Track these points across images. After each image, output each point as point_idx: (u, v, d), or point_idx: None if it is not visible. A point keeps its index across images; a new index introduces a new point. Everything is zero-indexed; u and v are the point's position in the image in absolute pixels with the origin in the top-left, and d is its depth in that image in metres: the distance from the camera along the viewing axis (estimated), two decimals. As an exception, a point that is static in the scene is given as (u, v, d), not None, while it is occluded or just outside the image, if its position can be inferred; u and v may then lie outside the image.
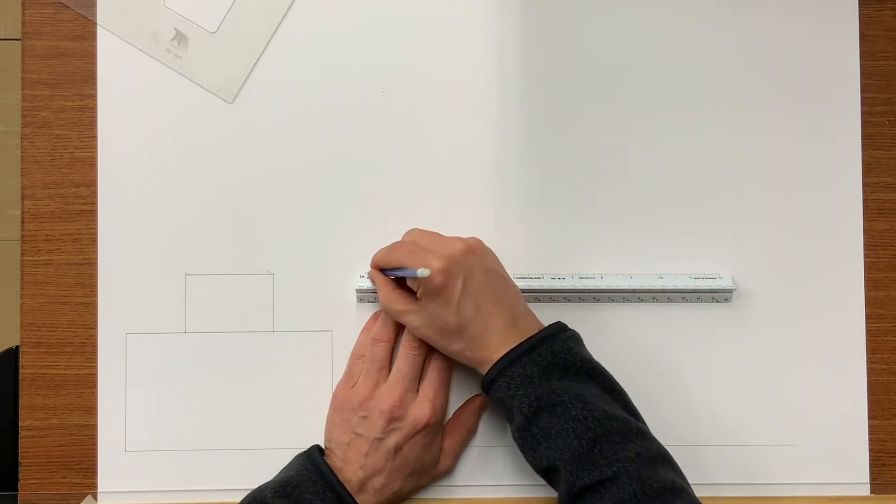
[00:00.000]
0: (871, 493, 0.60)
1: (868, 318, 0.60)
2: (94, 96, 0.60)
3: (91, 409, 0.59)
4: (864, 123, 0.61)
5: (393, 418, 0.54)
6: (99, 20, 0.59)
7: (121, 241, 0.59)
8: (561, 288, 0.59)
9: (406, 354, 0.56)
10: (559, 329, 0.53)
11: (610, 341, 0.60)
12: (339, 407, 0.56)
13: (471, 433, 0.58)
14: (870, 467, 0.60)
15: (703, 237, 0.60)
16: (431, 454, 0.56)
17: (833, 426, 0.60)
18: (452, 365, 0.57)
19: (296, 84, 0.60)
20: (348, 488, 0.53)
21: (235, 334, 0.59)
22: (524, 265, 0.60)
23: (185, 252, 0.59)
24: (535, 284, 0.59)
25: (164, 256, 0.59)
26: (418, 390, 0.56)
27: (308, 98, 0.60)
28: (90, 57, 0.60)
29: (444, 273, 0.51)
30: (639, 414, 0.53)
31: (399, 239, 0.57)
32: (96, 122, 0.60)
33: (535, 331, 0.53)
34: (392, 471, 0.54)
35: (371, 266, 0.58)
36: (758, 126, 0.61)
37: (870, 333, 0.60)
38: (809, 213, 0.60)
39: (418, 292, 0.54)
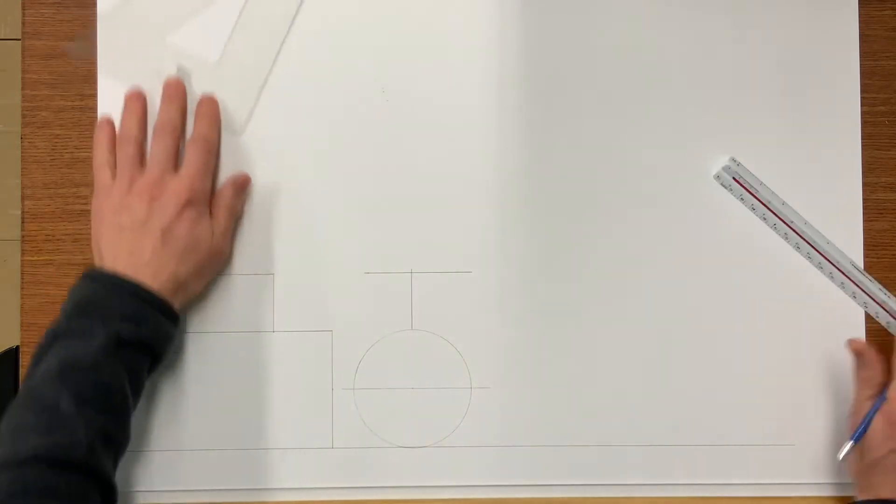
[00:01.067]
0: None
1: (868, 318, 0.60)
2: (94, 96, 0.60)
3: (91, 409, 0.59)
4: (864, 123, 0.61)
5: (152, 198, 0.54)
6: (100, 67, 0.59)
7: (121, 241, 0.59)
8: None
9: (159, 140, 0.56)
10: None
11: (609, 337, 0.60)
12: (101, 215, 0.55)
13: (235, 211, 0.58)
14: (870, 467, 0.60)
15: (703, 237, 0.60)
16: (202, 230, 0.55)
17: (833, 426, 0.60)
18: (216, 149, 0.58)
19: (296, 84, 0.60)
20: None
21: (235, 334, 0.59)
22: (524, 265, 0.60)
23: (185, 252, 0.59)
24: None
25: (164, 256, 0.59)
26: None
27: (308, 98, 0.60)
28: (90, 57, 0.60)
29: None
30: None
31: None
32: (96, 123, 0.60)
33: None
34: (162, 251, 0.53)
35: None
36: (758, 126, 0.61)
37: (870, 333, 0.60)
38: (809, 213, 0.60)
39: (887, 405, 0.56)
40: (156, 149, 0.56)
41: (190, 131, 0.58)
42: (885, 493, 0.53)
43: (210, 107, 0.58)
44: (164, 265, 0.53)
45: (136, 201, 0.54)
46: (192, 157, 0.56)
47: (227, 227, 0.58)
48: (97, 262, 0.55)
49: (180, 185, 0.55)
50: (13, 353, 0.61)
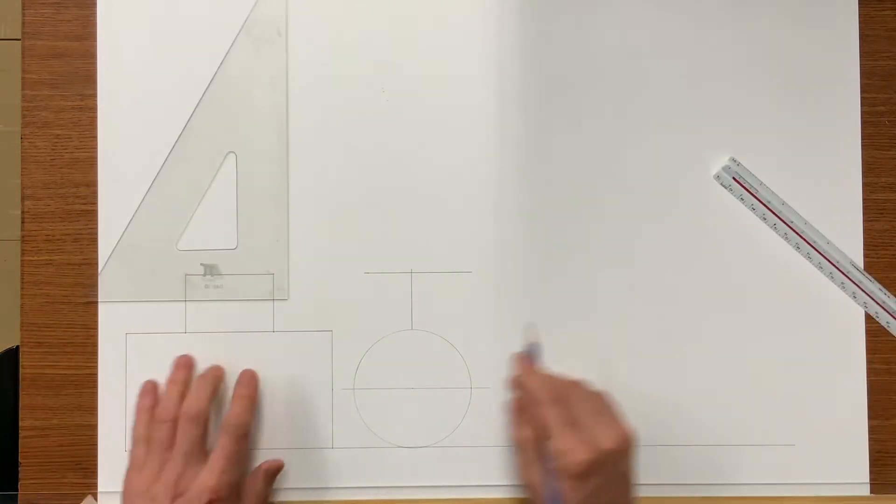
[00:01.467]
0: (871, 493, 0.60)
1: (868, 318, 0.60)
2: (94, 96, 0.60)
3: (91, 409, 0.59)
4: (864, 123, 0.61)
5: (177, 495, 0.52)
6: (125, 297, 0.59)
7: (121, 241, 0.60)
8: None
9: (185, 430, 0.54)
10: None
11: (609, 337, 0.60)
12: (131, 495, 0.54)
13: (265, 499, 0.56)
14: (870, 467, 0.60)
15: (702, 237, 0.60)
16: None
17: (833, 426, 0.60)
18: (250, 432, 0.57)
19: (295, 83, 0.60)
20: None
21: (235, 334, 0.59)
22: (524, 265, 0.60)
23: (185, 252, 0.59)
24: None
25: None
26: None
27: (307, 98, 0.60)
28: (90, 57, 0.60)
29: (584, 467, 0.48)
30: None
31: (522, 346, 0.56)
32: (96, 122, 0.60)
33: None
34: None
35: (513, 383, 0.57)
36: (758, 126, 0.61)
37: (870, 333, 0.60)
38: (809, 213, 0.60)
39: (553, 464, 0.50)
40: (181, 438, 0.54)
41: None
42: None
43: (248, 387, 0.57)
44: None
45: (161, 492, 0.52)
46: (223, 447, 0.54)
47: None
48: None
49: (207, 482, 0.52)
50: (13, 353, 0.61)
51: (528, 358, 0.57)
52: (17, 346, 0.59)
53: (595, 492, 0.49)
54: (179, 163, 0.59)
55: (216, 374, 0.58)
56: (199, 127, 0.59)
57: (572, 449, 0.49)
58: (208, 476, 0.53)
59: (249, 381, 0.58)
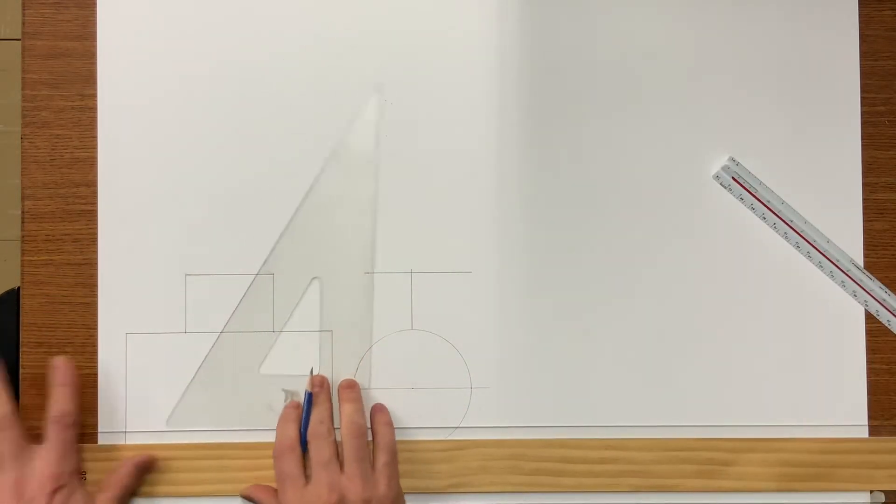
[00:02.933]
0: (870, 493, 0.60)
1: (868, 318, 0.60)
2: (94, 96, 0.60)
3: (91, 409, 0.59)
4: (864, 123, 0.61)
5: (19, 495, 0.53)
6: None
7: (121, 241, 0.59)
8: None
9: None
10: None
11: (609, 337, 0.60)
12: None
13: (127, 489, 0.57)
14: (870, 467, 0.60)
15: (702, 236, 0.60)
16: None
17: (833, 426, 0.60)
18: (76, 432, 0.57)
19: (295, 85, 0.60)
20: None
21: (235, 334, 0.59)
22: (524, 265, 0.60)
23: (185, 252, 0.59)
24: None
25: (164, 256, 0.59)
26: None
27: (307, 98, 0.60)
28: (90, 57, 0.60)
29: None
30: None
31: None
32: (96, 122, 0.60)
33: None
34: None
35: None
36: (757, 126, 0.61)
37: (870, 333, 0.60)
38: (809, 214, 0.60)
39: None
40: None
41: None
42: None
43: (65, 376, 0.57)
44: None
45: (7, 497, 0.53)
46: (51, 438, 0.55)
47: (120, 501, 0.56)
48: None
49: (45, 472, 0.54)
50: (13, 359, 0.61)
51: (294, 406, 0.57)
52: (18, 288, 0.60)
53: None
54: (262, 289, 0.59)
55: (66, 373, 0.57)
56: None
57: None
58: (45, 466, 0.54)
59: (65, 369, 0.57)
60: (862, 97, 0.61)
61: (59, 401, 0.56)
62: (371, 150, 0.60)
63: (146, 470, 0.58)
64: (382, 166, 0.60)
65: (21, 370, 0.59)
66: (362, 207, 0.60)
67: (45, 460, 0.55)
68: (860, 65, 0.61)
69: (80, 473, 0.57)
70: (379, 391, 0.59)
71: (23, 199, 0.60)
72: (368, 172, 0.60)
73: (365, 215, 0.60)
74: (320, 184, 0.60)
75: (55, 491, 0.54)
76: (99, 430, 0.59)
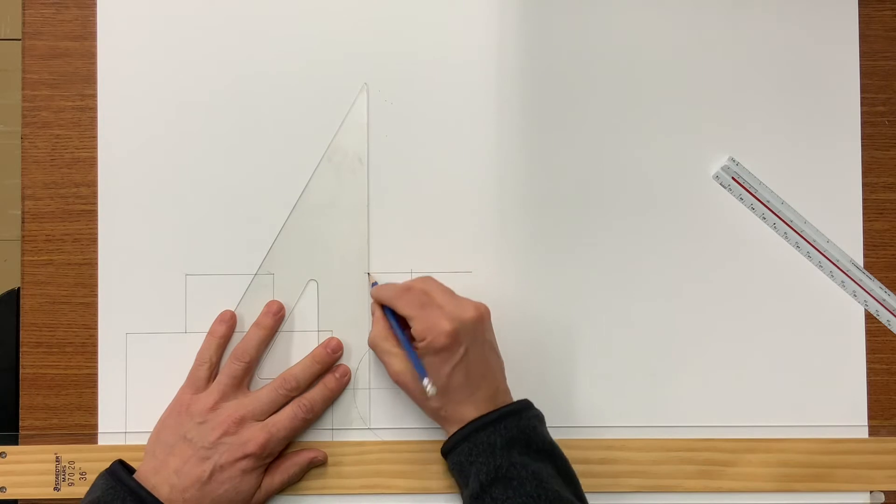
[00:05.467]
0: (870, 493, 0.60)
1: (868, 318, 0.60)
2: (94, 96, 0.60)
3: (91, 409, 0.59)
4: (864, 123, 0.61)
5: (227, 433, 0.54)
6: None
7: (121, 241, 0.59)
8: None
9: (275, 391, 0.56)
10: (526, 406, 0.54)
11: (609, 337, 0.60)
12: (179, 411, 0.55)
13: (291, 481, 0.57)
14: (870, 467, 0.60)
15: (702, 236, 0.60)
16: (247, 484, 0.54)
17: (833, 426, 0.60)
18: (308, 426, 0.58)
19: (295, 86, 0.60)
20: (156, 494, 0.52)
21: (235, 334, 0.59)
22: (524, 265, 0.60)
23: (185, 252, 0.59)
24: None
25: (164, 256, 0.59)
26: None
27: (307, 99, 0.60)
28: (90, 57, 0.60)
29: (451, 336, 0.52)
30: (587, 502, 0.53)
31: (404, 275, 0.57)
32: (96, 122, 0.60)
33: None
34: (201, 487, 0.53)
35: (373, 296, 0.57)
36: (757, 126, 0.61)
37: (870, 333, 0.60)
38: (809, 214, 0.60)
39: (420, 344, 0.53)
40: (263, 395, 0.56)
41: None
42: (469, 414, 0.53)
43: (339, 382, 0.58)
44: (198, 497, 0.53)
45: (211, 427, 0.54)
46: (287, 415, 0.56)
47: (274, 493, 0.57)
48: (147, 446, 0.56)
49: (252, 436, 0.54)
50: (13, 358, 0.61)
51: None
52: (18, 288, 0.60)
53: (465, 357, 0.52)
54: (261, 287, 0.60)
55: (274, 319, 0.58)
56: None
57: (435, 324, 0.52)
58: (260, 432, 0.54)
59: (343, 373, 0.58)
60: (862, 97, 0.61)
61: (318, 396, 0.57)
62: (365, 149, 0.60)
63: (315, 467, 0.58)
64: (382, 166, 0.60)
65: (21, 370, 0.59)
66: (359, 208, 0.60)
67: (265, 429, 0.54)
68: (860, 65, 0.61)
69: (276, 457, 0.56)
70: (379, 391, 0.59)
71: (23, 199, 0.60)
72: (363, 173, 0.60)
73: (363, 215, 0.60)
74: (313, 184, 0.60)
75: (250, 455, 0.53)
76: (99, 430, 0.59)
